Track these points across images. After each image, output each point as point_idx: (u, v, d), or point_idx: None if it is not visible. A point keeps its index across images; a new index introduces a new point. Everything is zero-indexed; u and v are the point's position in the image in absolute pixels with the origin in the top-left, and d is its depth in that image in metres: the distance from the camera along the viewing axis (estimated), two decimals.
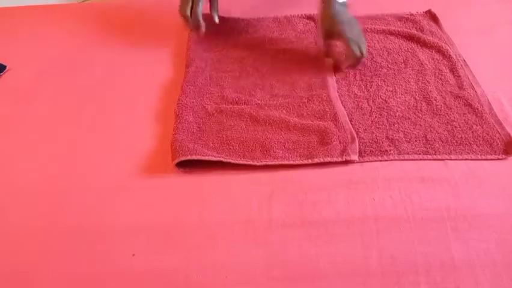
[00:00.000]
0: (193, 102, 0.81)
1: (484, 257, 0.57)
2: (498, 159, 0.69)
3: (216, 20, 0.91)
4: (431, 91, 0.80)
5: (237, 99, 0.81)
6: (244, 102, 0.80)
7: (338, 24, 0.83)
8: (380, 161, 0.70)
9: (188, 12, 0.86)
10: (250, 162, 0.69)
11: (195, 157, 0.68)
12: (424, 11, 1.03)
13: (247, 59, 0.91)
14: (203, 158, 0.68)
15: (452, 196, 0.64)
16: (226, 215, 0.63)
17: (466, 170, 0.68)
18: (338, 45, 0.89)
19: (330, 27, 0.84)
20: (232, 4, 1.07)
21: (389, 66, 0.86)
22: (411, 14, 1.02)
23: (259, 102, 0.80)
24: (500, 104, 0.78)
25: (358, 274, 0.56)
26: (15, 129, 0.79)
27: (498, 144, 0.71)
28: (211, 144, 0.72)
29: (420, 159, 0.69)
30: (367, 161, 0.70)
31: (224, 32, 0.99)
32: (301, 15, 1.03)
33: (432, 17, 1.01)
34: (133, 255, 0.58)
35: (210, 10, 0.91)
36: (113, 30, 1.02)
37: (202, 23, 0.87)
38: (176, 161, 0.68)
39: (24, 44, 1.00)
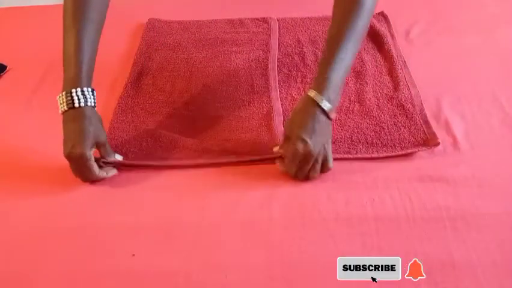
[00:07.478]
0: (133, 101, 0.81)
1: (484, 257, 0.57)
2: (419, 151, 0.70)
3: (119, 158, 0.70)
4: (367, 92, 0.81)
5: (178, 99, 0.82)
6: (186, 103, 0.81)
7: (303, 128, 0.65)
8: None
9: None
10: (173, 163, 0.70)
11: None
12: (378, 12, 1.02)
13: (195, 60, 0.91)
14: (126, 162, 0.70)
15: (452, 196, 0.64)
16: (226, 215, 0.63)
17: (466, 170, 0.68)
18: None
19: (293, 128, 0.66)
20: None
21: None
22: None
23: (200, 103, 0.81)
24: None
25: None
26: (16, 129, 0.79)
27: (421, 143, 0.71)
28: (144, 144, 0.73)
29: (341, 159, 0.69)
30: (367, 161, 0.70)
31: (177, 33, 1.00)
32: (255, 17, 1.03)
33: (384, 18, 1.01)
34: (133, 255, 0.58)
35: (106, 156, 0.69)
36: None
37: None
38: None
39: (25, 45, 1.00)
